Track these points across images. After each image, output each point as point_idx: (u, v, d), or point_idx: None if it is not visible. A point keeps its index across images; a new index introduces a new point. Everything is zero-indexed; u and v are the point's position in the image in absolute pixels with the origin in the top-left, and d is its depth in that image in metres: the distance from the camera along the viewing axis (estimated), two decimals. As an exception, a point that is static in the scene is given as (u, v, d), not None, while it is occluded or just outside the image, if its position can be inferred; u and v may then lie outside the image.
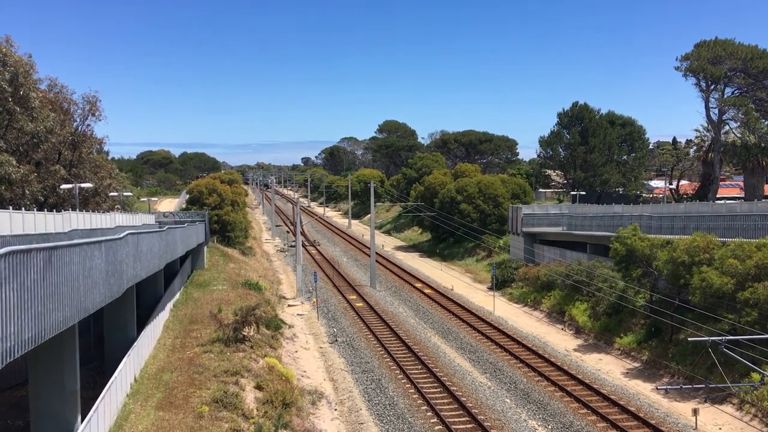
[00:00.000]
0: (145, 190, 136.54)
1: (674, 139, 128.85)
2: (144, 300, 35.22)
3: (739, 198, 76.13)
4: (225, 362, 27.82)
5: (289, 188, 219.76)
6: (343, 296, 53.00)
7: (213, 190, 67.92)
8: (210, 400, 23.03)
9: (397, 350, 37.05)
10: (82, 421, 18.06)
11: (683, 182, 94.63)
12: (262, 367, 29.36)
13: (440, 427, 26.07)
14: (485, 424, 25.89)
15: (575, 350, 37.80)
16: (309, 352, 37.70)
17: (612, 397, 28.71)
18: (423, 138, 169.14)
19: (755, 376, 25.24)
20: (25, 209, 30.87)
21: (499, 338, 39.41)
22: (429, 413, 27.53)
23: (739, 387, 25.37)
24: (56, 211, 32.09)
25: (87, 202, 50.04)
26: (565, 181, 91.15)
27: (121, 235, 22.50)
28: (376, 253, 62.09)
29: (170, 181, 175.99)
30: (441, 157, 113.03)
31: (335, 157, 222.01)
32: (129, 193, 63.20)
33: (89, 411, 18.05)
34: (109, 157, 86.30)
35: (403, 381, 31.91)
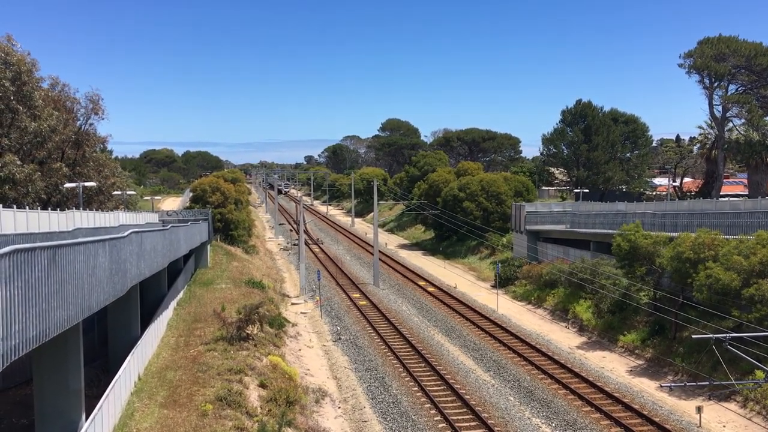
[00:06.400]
0: (148, 188, 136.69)
1: (678, 137, 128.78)
2: (148, 298, 35.29)
3: (742, 195, 76.07)
4: (229, 360, 27.87)
5: (292, 187, 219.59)
6: (347, 294, 53.00)
7: (216, 188, 67.96)
8: (214, 398, 23.08)
9: (401, 348, 37.05)
10: (87, 419, 18.09)
11: (687, 180, 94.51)
12: (266, 365, 29.39)
13: (444, 424, 26.07)
14: (489, 422, 25.90)
15: (579, 348, 37.77)
16: (312, 351, 37.72)
17: (616, 394, 28.68)
18: (426, 136, 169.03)
19: (759, 373, 25.16)
20: (29, 208, 30.94)
21: (502, 336, 39.39)
22: (432, 411, 27.53)
23: (743, 384, 25.35)
24: (60, 210, 32.14)
25: (90, 200, 50.14)
26: (568, 179, 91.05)
27: (125, 234, 22.52)
28: (379, 251, 62.07)
29: (173, 180, 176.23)
30: (444, 156, 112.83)
31: (338, 156, 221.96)
32: (132, 192, 63.15)
33: (94, 409, 18.09)
34: (113, 156, 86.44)
35: (406, 379, 31.91)
